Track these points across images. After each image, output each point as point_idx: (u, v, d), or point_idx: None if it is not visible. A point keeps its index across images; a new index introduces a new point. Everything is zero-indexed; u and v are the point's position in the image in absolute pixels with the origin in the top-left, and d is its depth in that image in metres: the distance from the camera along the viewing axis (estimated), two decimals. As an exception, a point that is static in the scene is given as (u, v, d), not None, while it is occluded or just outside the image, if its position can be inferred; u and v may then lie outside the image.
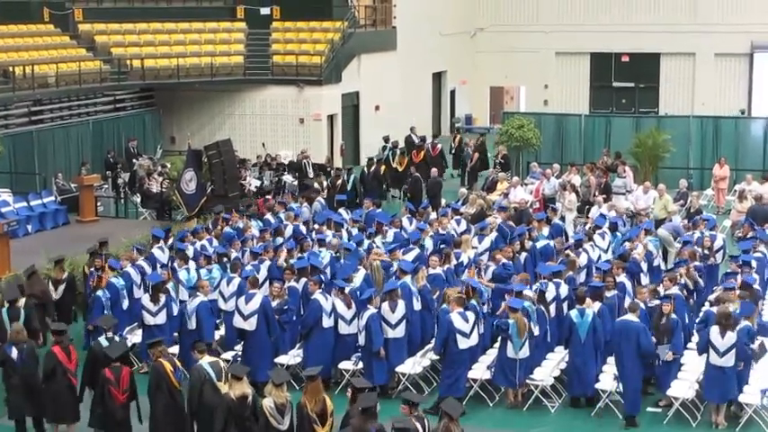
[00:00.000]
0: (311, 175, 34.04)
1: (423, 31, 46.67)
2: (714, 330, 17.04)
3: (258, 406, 14.52)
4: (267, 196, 31.48)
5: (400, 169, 35.37)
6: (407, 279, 19.75)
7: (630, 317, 17.46)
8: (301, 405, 14.02)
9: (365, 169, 34.38)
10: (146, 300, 19.79)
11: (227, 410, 14.39)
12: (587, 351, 17.99)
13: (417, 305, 19.67)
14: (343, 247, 22.72)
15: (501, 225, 24.84)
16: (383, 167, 34.41)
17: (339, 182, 32.27)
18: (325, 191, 31.62)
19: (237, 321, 18.96)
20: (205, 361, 15.50)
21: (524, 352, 17.94)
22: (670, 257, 24.84)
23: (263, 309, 18.71)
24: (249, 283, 19.29)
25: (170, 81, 39.36)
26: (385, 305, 18.62)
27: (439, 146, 38.12)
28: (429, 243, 23.52)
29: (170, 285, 20.26)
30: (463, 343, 17.78)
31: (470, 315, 17.96)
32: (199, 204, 28.79)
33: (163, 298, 19.69)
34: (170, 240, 24.09)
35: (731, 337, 16.91)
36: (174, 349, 19.69)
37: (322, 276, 20.26)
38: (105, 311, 19.84)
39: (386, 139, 37.52)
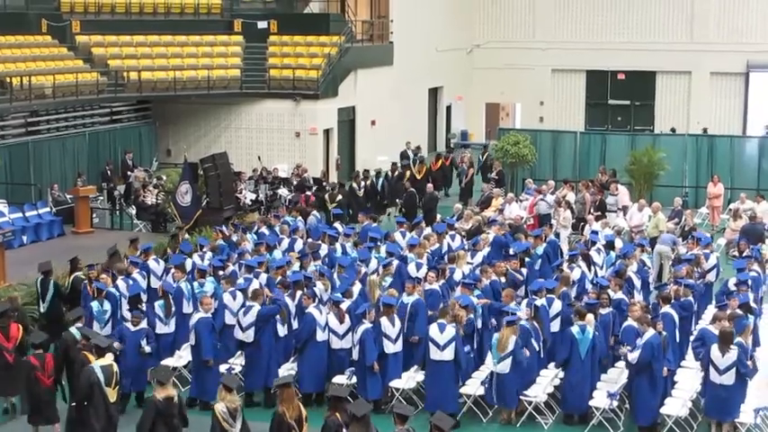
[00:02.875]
0: (313, 189, 34.12)
1: (419, 47, 46.75)
2: (714, 348, 17.09)
3: (184, 406, 15.20)
4: (308, 192, 32.73)
5: (419, 177, 36.43)
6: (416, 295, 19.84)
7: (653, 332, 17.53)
8: (279, 413, 14.19)
9: (389, 173, 35.96)
10: (126, 311, 19.84)
11: (154, 410, 14.70)
12: (586, 368, 18.03)
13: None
14: (338, 263, 22.70)
15: (497, 239, 24.95)
16: (407, 172, 36.35)
17: (368, 183, 33.94)
18: (362, 191, 33.55)
19: (237, 333, 19.17)
20: (98, 363, 15.83)
21: (502, 367, 17.93)
22: (665, 273, 24.86)
23: (259, 321, 18.81)
24: (251, 295, 19.40)
25: (167, 93, 39.32)
26: (384, 320, 18.64)
27: (468, 154, 38.42)
28: (423, 258, 23.48)
29: (160, 303, 20.13)
30: (435, 353, 17.86)
31: (450, 329, 17.96)
32: (194, 217, 28.82)
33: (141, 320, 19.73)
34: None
35: (731, 355, 16.96)
36: (169, 361, 19.76)
37: (315, 290, 20.26)
38: (95, 323, 19.86)
39: (416, 150, 39.96)
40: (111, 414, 15.79)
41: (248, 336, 18.92)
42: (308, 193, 32.68)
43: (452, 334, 18.02)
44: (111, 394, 15.76)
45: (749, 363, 17.27)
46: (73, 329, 17.95)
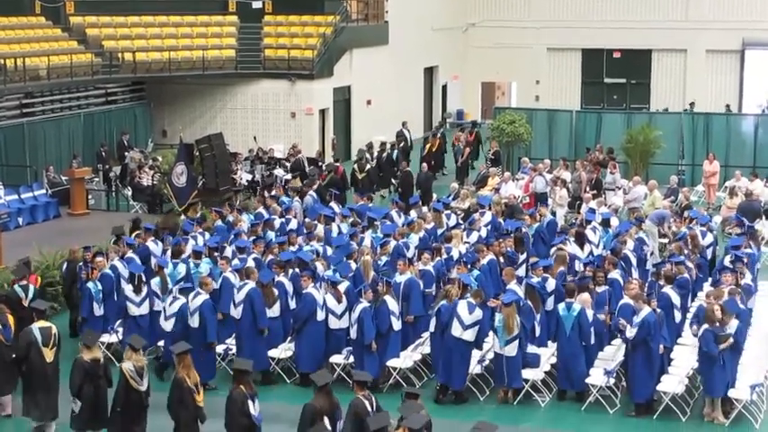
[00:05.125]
0: (307, 170, 34.18)
1: (414, 26, 46.66)
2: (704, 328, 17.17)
3: (109, 368, 16.20)
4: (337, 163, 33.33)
5: (433, 150, 37.66)
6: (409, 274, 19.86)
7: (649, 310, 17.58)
8: (180, 380, 14.79)
9: (395, 145, 36.96)
10: (128, 290, 19.82)
11: (82, 371, 15.61)
12: (573, 345, 18.06)
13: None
14: (335, 244, 22.71)
15: (494, 220, 25.03)
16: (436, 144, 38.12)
17: (384, 155, 35.38)
18: (375, 161, 34.62)
19: (231, 309, 19.29)
20: (36, 325, 16.69)
21: (510, 350, 17.96)
22: (655, 252, 24.88)
23: (249, 299, 18.88)
24: (244, 273, 19.46)
25: (161, 74, 39.23)
26: (389, 297, 18.70)
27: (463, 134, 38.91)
28: (415, 238, 23.46)
29: (156, 281, 20.18)
30: (456, 330, 17.93)
31: (478, 311, 18.06)
32: (189, 198, 28.77)
33: (145, 289, 19.77)
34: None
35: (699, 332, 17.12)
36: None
37: (319, 270, 20.29)
38: (94, 303, 20.07)
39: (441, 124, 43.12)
40: (48, 373, 16.58)
41: (238, 312, 19.03)
42: (337, 164, 33.13)
43: (479, 317, 18.09)
44: (48, 354, 16.58)
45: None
46: (17, 287, 19.39)
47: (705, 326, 17.11)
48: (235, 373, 14.58)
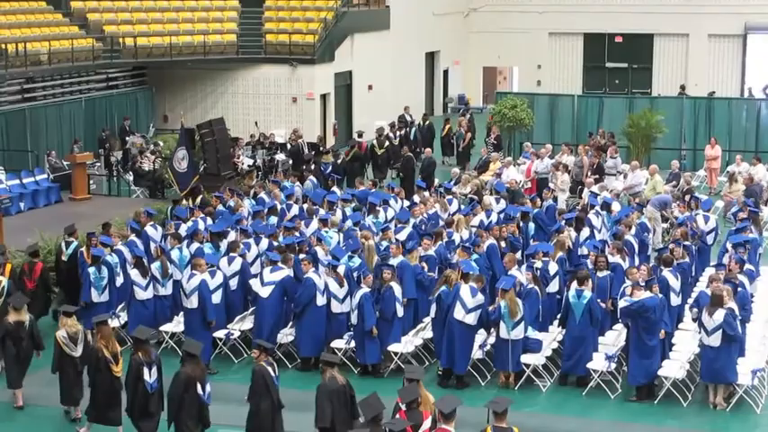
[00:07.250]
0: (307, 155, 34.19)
1: (416, 11, 46.60)
2: (704, 310, 17.15)
3: (37, 332, 17.31)
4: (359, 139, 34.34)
5: (443, 134, 38.17)
6: (401, 257, 19.84)
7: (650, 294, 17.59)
8: (96, 348, 15.66)
9: (421, 122, 38.28)
10: (135, 274, 19.81)
11: (3, 330, 16.95)
12: (583, 331, 18.05)
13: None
14: (338, 229, 22.73)
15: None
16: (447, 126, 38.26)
17: (402, 133, 36.59)
18: (396, 140, 35.41)
19: (255, 284, 19.47)
20: None
21: (517, 333, 17.98)
22: (656, 236, 24.86)
23: (282, 284, 19.06)
24: (282, 259, 19.60)
25: (162, 59, 39.21)
26: (394, 284, 18.74)
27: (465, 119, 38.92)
28: (411, 222, 23.44)
29: (157, 265, 20.20)
30: (459, 313, 17.97)
31: (480, 296, 18.11)
32: (191, 183, 28.74)
33: (149, 272, 19.82)
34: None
35: (718, 317, 16.98)
36: (168, 326, 19.78)
37: (319, 255, 20.29)
38: (93, 289, 20.06)
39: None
40: None
41: (265, 291, 19.09)
42: (360, 139, 33.85)
43: (481, 301, 18.13)
44: None
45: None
46: (62, 242, 21.10)
47: (722, 310, 17.01)
48: (133, 340, 15.51)
